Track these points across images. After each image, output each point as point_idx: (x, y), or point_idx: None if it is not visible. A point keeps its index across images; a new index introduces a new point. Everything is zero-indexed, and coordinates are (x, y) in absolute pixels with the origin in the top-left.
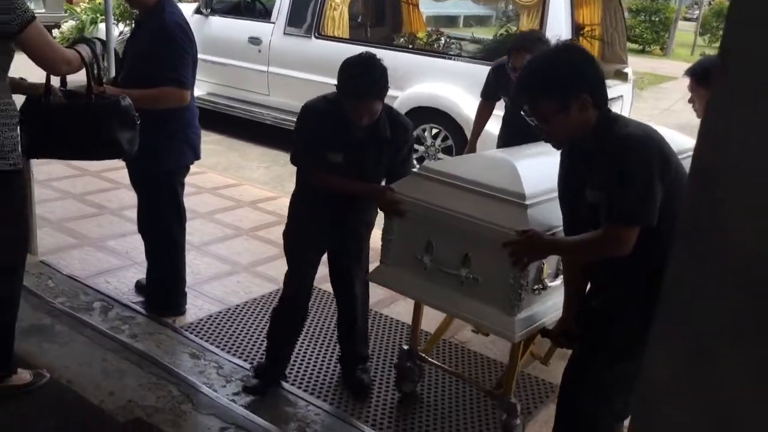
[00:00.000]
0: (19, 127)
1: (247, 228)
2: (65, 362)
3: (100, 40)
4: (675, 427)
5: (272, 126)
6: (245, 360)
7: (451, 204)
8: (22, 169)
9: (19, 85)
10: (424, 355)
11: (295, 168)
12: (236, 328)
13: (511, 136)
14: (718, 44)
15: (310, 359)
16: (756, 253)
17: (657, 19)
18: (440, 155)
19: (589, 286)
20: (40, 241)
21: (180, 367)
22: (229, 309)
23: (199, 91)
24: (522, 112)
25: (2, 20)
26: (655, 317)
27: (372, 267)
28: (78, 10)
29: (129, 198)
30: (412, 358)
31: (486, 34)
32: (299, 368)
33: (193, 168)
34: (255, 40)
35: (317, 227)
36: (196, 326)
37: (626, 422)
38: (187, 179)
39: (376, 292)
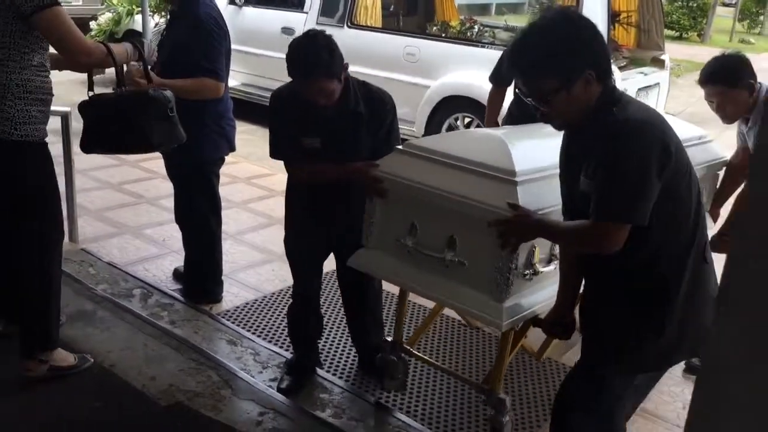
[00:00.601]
0: (41, 105)
1: (281, 217)
2: (108, 347)
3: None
4: (739, 406)
5: None
6: (281, 347)
7: (436, 182)
8: (34, 143)
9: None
10: (408, 347)
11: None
12: (272, 316)
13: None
14: (757, 30)
15: (345, 346)
16: None
17: (695, 4)
18: None
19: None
20: (81, 229)
21: (218, 353)
22: (265, 297)
23: (233, 81)
24: (516, 90)
25: (19, 2)
26: (720, 291)
27: None
28: (114, 2)
29: (165, 188)
30: (395, 350)
31: (519, 21)
32: (334, 355)
33: (227, 158)
34: (288, 30)
35: (313, 228)
36: (233, 313)
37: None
38: (222, 169)
39: None
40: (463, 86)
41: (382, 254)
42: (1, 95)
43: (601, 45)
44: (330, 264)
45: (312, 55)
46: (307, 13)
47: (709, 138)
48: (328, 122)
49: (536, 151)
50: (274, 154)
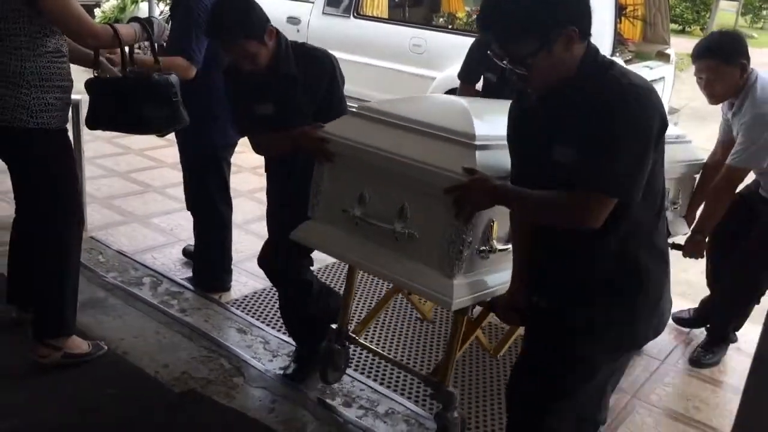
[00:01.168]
0: (59, 92)
1: None
2: (120, 334)
3: (148, 19)
4: None
5: None
6: (290, 336)
7: (387, 145)
8: (51, 131)
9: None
10: (354, 336)
11: None
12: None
13: None
14: (760, 25)
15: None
16: None
17: None
18: None
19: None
20: (89, 217)
21: (228, 341)
22: (273, 286)
23: None
24: (489, 52)
25: None
26: None
27: None
28: None
29: (172, 176)
30: (340, 339)
31: None
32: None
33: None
34: (294, 20)
35: (279, 204)
36: (242, 302)
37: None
38: None
39: None
40: None
41: (328, 227)
42: (16, 83)
43: None
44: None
45: (224, 15)
46: (313, 2)
47: (687, 138)
48: (270, 88)
49: (502, 121)
50: (239, 131)
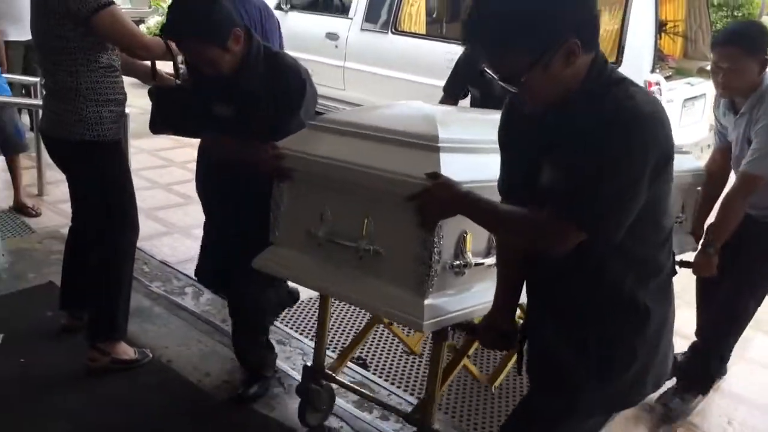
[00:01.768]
0: (113, 105)
1: None
2: (164, 342)
3: None
4: None
5: None
6: (328, 347)
7: (346, 155)
8: (106, 142)
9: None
10: (331, 373)
11: None
12: (317, 317)
13: None
14: None
15: (385, 346)
16: None
17: (740, 14)
18: None
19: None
20: None
21: None
22: (311, 299)
23: None
24: (482, 71)
25: (73, 9)
26: None
27: None
28: (162, 4)
29: None
30: (316, 378)
31: None
32: (387, 355)
33: None
34: (332, 36)
35: (218, 203)
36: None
37: None
38: None
39: None
40: None
41: (291, 251)
42: (73, 99)
43: (586, 5)
44: None
45: (181, 13)
46: (351, 18)
47: (687, 150)
48: (233, 91)
49: (470, 125)
50: (192, 127)
